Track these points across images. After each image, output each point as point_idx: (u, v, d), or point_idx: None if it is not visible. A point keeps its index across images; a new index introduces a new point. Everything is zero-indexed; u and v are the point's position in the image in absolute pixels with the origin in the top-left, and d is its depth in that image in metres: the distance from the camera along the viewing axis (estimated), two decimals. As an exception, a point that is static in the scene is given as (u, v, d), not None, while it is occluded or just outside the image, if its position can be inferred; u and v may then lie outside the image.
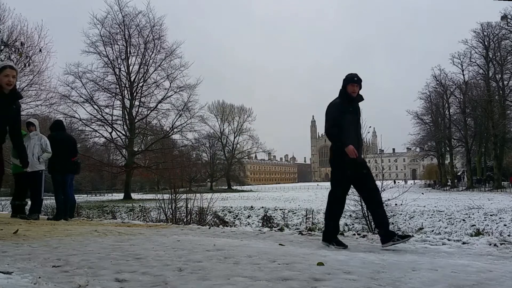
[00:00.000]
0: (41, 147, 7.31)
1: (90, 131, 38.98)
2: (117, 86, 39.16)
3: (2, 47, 13.74)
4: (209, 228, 6.59)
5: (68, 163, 7.52)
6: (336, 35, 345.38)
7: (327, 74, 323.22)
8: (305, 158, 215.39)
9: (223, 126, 75.90)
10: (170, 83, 39.63)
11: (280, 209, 20.80)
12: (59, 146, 7.34)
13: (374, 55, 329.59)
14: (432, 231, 11.98)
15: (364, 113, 10.44)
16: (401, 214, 15.55)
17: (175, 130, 40.42)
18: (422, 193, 29.71)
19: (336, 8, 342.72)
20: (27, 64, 15.88)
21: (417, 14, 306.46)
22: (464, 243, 4.39)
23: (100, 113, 38.32)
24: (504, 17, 35.73)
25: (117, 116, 39.60)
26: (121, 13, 37.50)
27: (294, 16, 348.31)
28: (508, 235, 7.46)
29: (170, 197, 10.93)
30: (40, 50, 21.56)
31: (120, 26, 38.25)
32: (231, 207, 23.07)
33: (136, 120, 39.82)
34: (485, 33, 41.21)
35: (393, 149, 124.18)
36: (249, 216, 19.73)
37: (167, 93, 39.82)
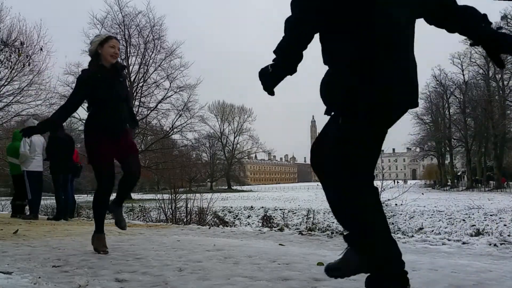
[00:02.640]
0: (43, 147, 7.38)
1: (90, 131, 39.01)
2: (117, 86, 39.15)
3: (2, 47, 13.74)
4: (209, 228, 6.59)
5: (69, 163, 7.51)
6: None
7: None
8: (305, 158, 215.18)
9: (223, 126, 75.94)
10: (170, 83, 39.63)
11: (280, 209, 20.78)
12: (60, 146, 7.33)
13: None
14: (432, 231, 11.96)
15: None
16: (401, 214, 15.54)
17: (175, 130, 40.42)
18: (422, 193, 29.72)
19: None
20: (27, 64, 15.86)
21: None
22: (464, 243, 4.39)
23: (100, 113, 38.34)
24: (504, 17, 35.72)
25: (117, 116, 39.52)
26: (121, 13, 37.44)
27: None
28: (508, 235, 7.45)
29: (170, 197, 10.91)
30: (41, 49, 21.48)
31: (120, 26, 38.20)
32: (231, 207, 23.06)
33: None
34: (485, 33, 41.19)
35: (393, 149, 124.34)
36: (249, 216, 19.72)
37: (167, 93, 39.83)
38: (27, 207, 7.85)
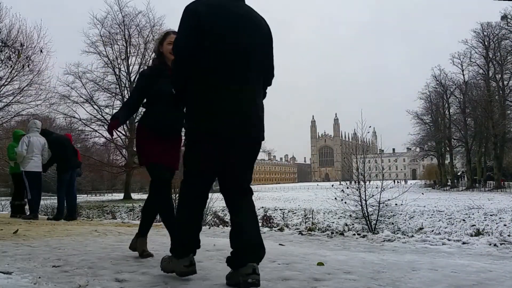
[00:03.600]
0: (42, 147, 7.37)
1: (90, 131, 39.00)
2: (117, 86, 39.15)
3: (2, 47, 13.72)
4: (209, 228, 6.59)
5: (75, 162, 7.55)
6: (338, 28, 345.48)
7: (327, 73, 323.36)
8: (305, 158, 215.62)
9: (223, 126, 75.95)
10: (170, 83, 39.66)
11: (280, 209, 20.77)
12: (58, 146, 7.34)
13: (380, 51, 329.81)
14: (432, 231, 11.95)
15: (365, 113, 10.47)
16: (401, 214, 15.53)
17: (175, 130, 40.49)
18: (422, 193, 29.67)
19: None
20: (26, 65, 15.86)
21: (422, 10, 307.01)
22: (464, 243, 4.39)
23: (100, 113, 38.33)
24: (504, 17, 35.76)
25: (117, 116, 39.55)
26: (121, 13, 37.49)
27: (301, 9, 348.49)
28: (508, 235, 7.44)
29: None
30: (41, 51, 21.51)
31: (120, 26, 38.25)
32: (231, 207, 23.02)
33: (136, 120, 39.75)
34: (485, 33, 41.24)
35: (393, 149, 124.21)
36: (249, 216, 19.68)
37: (167, 93, 39.87)
38: (27, 207, 7.85)
